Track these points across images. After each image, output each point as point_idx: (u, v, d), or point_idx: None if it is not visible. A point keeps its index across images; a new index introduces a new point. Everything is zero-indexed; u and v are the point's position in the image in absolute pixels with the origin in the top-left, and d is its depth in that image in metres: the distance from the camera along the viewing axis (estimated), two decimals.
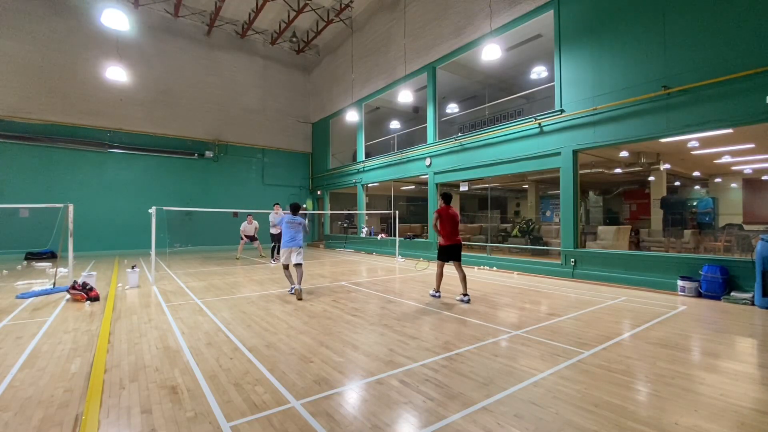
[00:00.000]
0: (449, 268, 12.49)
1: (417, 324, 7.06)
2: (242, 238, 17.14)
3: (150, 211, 11.49)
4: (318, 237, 26.22)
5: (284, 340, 6.26)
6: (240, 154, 24.06)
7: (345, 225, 24.79)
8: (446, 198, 8.88)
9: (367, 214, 21.68)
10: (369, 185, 21.56)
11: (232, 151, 23.76)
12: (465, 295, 8.50)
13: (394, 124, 25.10)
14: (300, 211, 10.59)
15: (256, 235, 17.38)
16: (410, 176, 18.21)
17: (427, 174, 17.29)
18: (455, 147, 16.02)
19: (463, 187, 15.79)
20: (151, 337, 6.45)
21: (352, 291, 10.07)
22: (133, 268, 10.93)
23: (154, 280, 11.19)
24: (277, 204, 15.50)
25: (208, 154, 22.72)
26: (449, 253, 8.63)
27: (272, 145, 25.49)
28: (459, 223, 8.79)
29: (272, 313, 7.72)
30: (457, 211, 8.77)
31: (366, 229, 20.91)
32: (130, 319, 7.47)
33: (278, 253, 15.37)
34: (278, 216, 13.97)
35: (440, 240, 8.52)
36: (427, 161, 17.25)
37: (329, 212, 22.28)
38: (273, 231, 15.57)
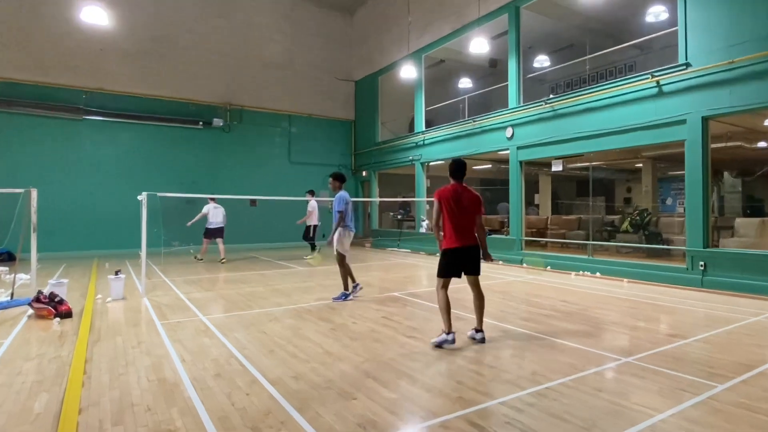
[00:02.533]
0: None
1: (494, 349, 7.21)
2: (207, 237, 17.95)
3: (140, 198, 11.60)
4: (363, 232, 26.46)
5: (318, 370, 6.38)
6: (259, 123, 24.27)
7: (399, 217, 25.11)
8: (456, 170, 7.70)
9: (428, 203, 21.60)
10: (431, 164, 21.70)
11: (248, 119, 23.99)
12: (479, 330, 7.75)
13: (464, 83, 25.05)
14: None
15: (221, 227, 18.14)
16: (485, 152, 18.65)
17: (507, 149, 17.49)
18: (545, 113, 16.12)
19: (556, 167, 15.80)
20: (140, 365, 6.56)
21: (408, 304, 10.25)
22: (116, 274, 11.14)
23: (144, 290, 11.42)
24: (311, 191, 16.14)
25: (217, 122, 22.94)
26: (458, 261, 7.49)
27: (302, 111, 25.59)
28: (481, 214, 7.68)
29: (302, 334, 7.85)
30: (477, 193, 7.66)
31: (427, 222, 21.00)
32: (113, 341, 7.62)
33: (314, 249, 16.84)
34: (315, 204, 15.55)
35: (442, 241, 7.58)
36: (508, 132, 17.42)
37: (378, 200, 22.45)
38: (310, 222, 16.33)
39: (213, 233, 18.01)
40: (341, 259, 10.14)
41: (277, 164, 24.86)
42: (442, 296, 7.43)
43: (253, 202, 22.56)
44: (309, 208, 17.86)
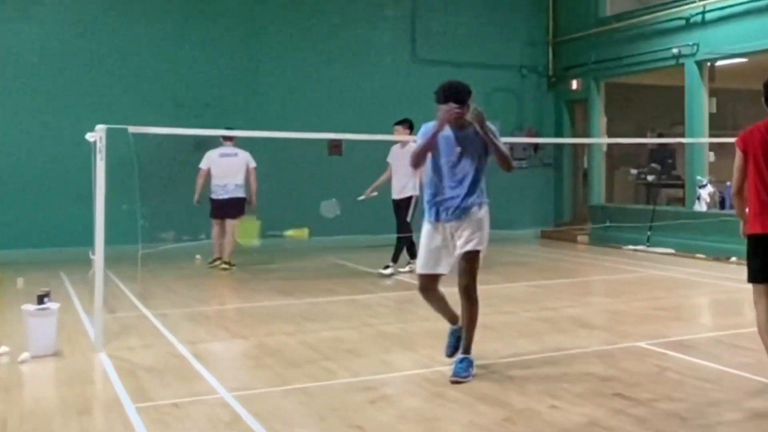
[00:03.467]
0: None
1: None
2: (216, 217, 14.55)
3: (90, 138, 9.19)
4: (571, 215, 22.31)
5: None
6: None
7: (648, 180, 20.81)
8: None
9: (719, 149, 17.98)
10: (718, 63, 18.22)
11: None
12: None
13: None
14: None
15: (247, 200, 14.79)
16: None
17: None
18: None
19: None
20: None
21: (667, 365, 8.19)
22: (41, 301, 8.55)
23: (101, 334, 8.70)
24: (403, 123, 13.07)
25: None
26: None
27: None
28: None
29: (442, 428, 6.18)
30: None
31: (709, 188, 17.62)
32: None
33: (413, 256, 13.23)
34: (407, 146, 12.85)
35: (747, 222, 6.79)
36: None
37: (604, 140, 19.14)
38: (411, 192, 13.34)
39: (220, 208, 14.43)
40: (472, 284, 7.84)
41: (387, 65, 20.27)
42: (762, 307, 6.72)
43: (334, 146, 17.96)
44: (392, 159, 13.90)
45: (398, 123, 13.37)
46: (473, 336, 7.58)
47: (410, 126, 13.21)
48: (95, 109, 16.76)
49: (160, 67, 18.37)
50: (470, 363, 7.52)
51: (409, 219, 13.61)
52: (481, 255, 7.45)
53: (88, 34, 17.76)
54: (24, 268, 14.41)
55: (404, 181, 13.40)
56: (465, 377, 7.38)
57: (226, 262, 14.50)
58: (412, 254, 13.33)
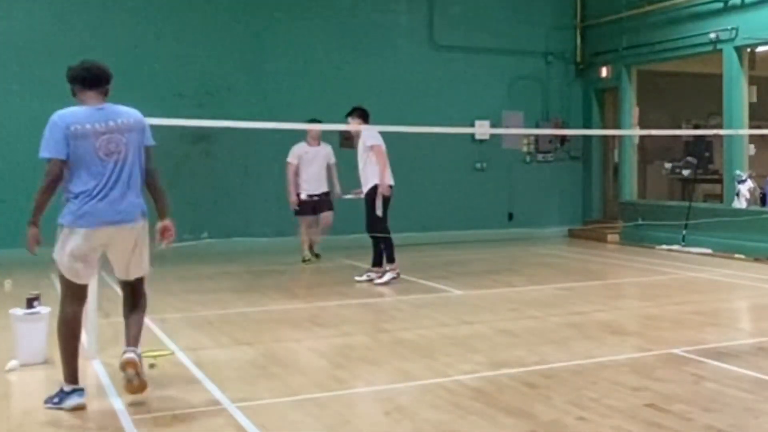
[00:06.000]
0: None
1: None
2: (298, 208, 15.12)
3: None
4: (601, 213, 22.55)
5: None
6: None
7: (682, 175, 21.17)
8: None
9: (754, 137, 18.03)
10: (758, 47, 18.25)
11: None
12: None
13: None
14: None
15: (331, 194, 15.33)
16: None
17: None
18: None
19: None
20: None
21: (704, 374, 8.14)
22: (30, 305, 8.61)
23: (96, 340, 8.72)
24: (356, 113, 13.19)
25: None
26: None
27: None
28: None
29: None
30: None
31: (749, 183, 17.65)
32: None
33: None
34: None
35: None
36: None
37: (636, 132, 19.13)
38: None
39: (311, 204, 14.85)
40: None
41: (403, 51, 20.39)
42: None
43: (347, 138, 17.81)
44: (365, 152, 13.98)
45: (353, 112, 13.42)
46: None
47: (361, 116, 13.36)
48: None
49: (157, 53, 18.27)
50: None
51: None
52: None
53: (80, 21, 17.78)
54: (12, 269, 14.32)
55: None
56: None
57: (307, 258, 15.07)
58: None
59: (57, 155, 6.83)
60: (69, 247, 6.78)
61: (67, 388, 6.67)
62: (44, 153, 6.80)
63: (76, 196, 6.57)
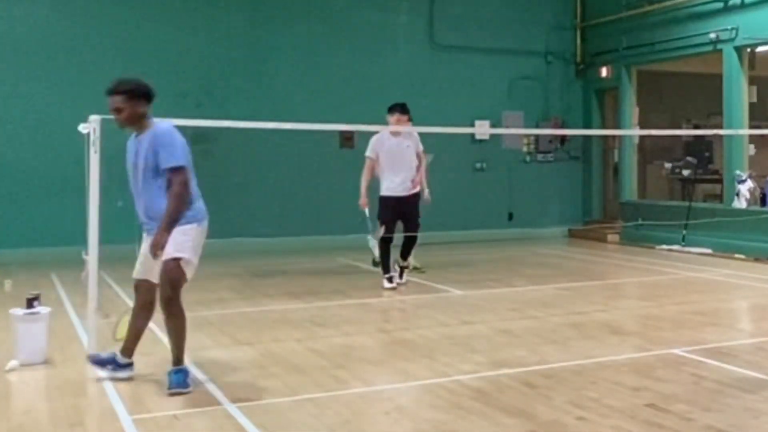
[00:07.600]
0: None
1: None
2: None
3: (83, 128, 8.97)
4: (601, 213, 22.44)
5: None
6: None
7: (684, 174, 20.96)
8: None
9: (754, 137, 17.90)
10: (759, 47, 18.26)
11: None
12: None
13: None
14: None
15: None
16: None
17: None
18: None
19: None
20: None
21: (704, 373, 8.18)
22: (30, 304, 8.49)
23: (96, 340, 8.66)
24: (396, 109, 12.53)
25: None
26: None
27: None
28: None
29: None
30: None
31: (749, 183, 17.55)
32: None
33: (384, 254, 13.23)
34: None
35: None
36: None
37: (636, 132, 19.11)
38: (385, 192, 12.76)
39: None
40: None
41: (402, 51, 20.41)
42: None
43: (347, 138, 18.06)
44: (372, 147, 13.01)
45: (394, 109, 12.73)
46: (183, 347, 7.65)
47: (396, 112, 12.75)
48: (88, 100, 17.24)
49: (156, 52, 18.22)
50: (186, 374, 7.64)
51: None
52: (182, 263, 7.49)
53: (80, 20, 17.77)
54: (12, 270, 14.31)
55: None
56: (183, 389, 7.50)
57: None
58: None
59: (188, 163, 7.46)
60: (200, 245, 7.51)
61: (185, 368, 7.21)
62: (182, 161, 7.25)
63: (196, 199, 7.32)
